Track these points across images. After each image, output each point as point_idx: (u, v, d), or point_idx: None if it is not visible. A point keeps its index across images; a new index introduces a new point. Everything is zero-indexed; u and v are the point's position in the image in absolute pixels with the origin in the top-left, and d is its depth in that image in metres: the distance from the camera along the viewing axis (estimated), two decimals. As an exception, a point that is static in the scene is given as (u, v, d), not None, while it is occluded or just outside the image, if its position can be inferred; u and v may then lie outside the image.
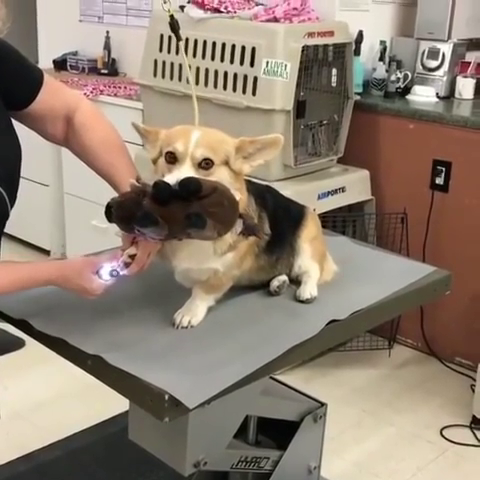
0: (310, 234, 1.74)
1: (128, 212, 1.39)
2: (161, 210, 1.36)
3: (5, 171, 1.51)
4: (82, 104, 1.66)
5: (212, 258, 1.51)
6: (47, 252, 4.37)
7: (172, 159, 1.44)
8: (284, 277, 1.73)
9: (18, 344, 3.19)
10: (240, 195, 1.47)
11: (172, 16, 1.95)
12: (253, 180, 1.62)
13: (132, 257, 1.47)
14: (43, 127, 1.65)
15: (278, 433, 1.96)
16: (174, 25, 1.95)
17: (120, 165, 1.60)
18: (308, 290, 1.70)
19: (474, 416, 2.95)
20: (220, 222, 1.39)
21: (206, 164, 1.43)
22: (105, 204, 1.42)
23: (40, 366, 3.07)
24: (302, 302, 1.69)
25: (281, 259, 1.71)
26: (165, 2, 1.95)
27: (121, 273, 1.47)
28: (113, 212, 1.40)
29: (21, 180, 1.57)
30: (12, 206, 1.55)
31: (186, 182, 1.36)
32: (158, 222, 1.36)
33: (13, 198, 1.55)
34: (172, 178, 1.39)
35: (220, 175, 1.44)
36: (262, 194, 1.65)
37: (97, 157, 1.62)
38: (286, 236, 1.71)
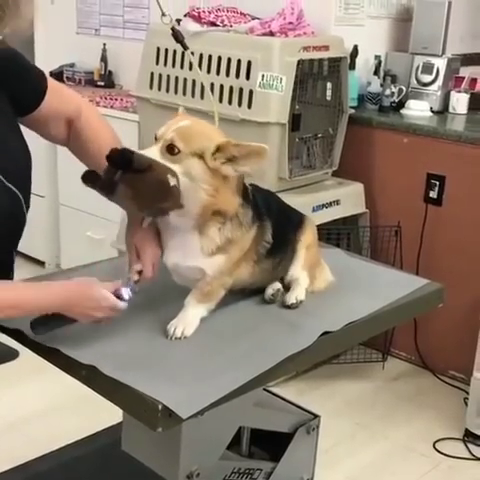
0: (308, 240, 1.76)
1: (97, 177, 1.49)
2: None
3: (20, 178, 1.52)
4: (83, 106, 1.69)
5: (200, 256, 1.53)
6: (42, 263, 4.37)
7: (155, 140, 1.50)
8: (278, 285, 1.75)
9: (11, 355, 3.18)
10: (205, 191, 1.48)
11: (173, 28, 1.96)
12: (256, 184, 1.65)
13: (139, 273, 1.54)
14: (46, 129, 1.67)
15: (271, 445, 1.96)
16: (177, 36, 1.96)
17: None
18: (294, 295, 1.72)
19: (467, 429, 2.96)
20: (138, 196, 1.44)
21: (171, 149, 1.45)
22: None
23: (33, 377, 3.06)
24: (288, 307, 1.71)
25: (284, 261, 1.73)
26: (164, 15, 1.96)
27: (137, 290, 1.53)
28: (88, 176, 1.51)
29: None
30: (27, 212, 1.56)
31: (118, 153, 1.42)
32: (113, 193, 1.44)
33: (27, 204, 1.56)
34: (138, 153, 1.44)
35: (189, 166, 1.46)
36: (267, 199, 1.69)
37: (97, 160, 1.63)
38: (289, 239, 1.73)
